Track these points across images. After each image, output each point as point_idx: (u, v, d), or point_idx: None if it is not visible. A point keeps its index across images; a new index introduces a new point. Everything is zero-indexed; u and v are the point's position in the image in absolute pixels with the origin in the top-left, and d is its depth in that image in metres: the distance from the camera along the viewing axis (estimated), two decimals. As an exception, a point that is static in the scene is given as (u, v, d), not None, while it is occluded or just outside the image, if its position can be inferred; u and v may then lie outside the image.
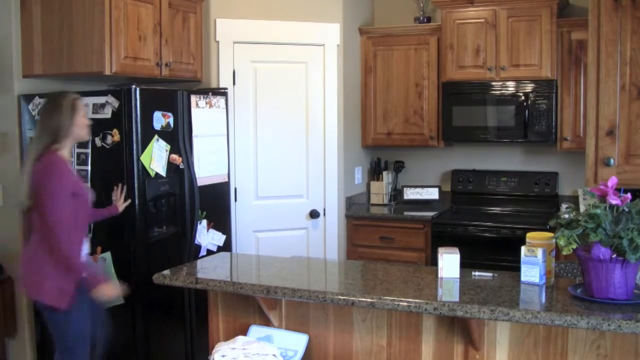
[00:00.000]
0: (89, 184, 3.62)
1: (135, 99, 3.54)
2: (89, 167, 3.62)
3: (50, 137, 3.06)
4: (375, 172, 5.23)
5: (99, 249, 3.62)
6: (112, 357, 3.69)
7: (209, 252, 4.00)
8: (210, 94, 4.09)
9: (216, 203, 4.16)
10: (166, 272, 2.74)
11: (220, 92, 4.23)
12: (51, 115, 3.09)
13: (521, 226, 4.29)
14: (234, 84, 4.43)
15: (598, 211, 2.12)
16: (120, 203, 3.53)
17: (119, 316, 3.61)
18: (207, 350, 2.85)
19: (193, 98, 3.93)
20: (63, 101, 3.12)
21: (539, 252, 2.38)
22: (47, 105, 3.18)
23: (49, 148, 3.05)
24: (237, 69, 4.45)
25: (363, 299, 2.33)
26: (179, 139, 3.83)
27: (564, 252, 2.15)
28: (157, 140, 3.66)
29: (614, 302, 2.14)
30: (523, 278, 2.42)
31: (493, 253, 4.24)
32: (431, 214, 4.67)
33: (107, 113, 3.57)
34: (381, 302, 2.29)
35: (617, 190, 2.17)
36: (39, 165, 3.02)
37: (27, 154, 3.16)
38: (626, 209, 2.13)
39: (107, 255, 3.61)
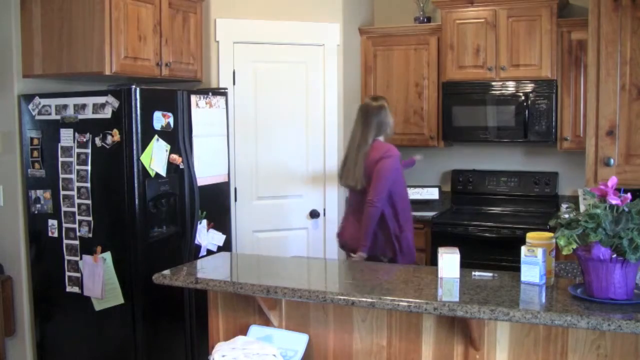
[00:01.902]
0: (89, 185, 3.62)
1: (135, 99, 3.54)
2: (89, 167, 3.61)
3: (377, 131, 3.76)
4: (375, 172, 5.22)
5: (98, 248, 3.62)
6: (112, 357, 3.70)
7: (209, 252, 3.99)
8: (210, 94, 4.09)
9: (216, 203, 4.16)
10: (166, 272, 2.74)
11: (220, 92, 4.22)
12: (379, 114, 3.75)
13: (521, 226, 4.28)
14: (234, 84, 4.43)
15: (598, 211, 2.12)
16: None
17: (119, 316, 3.61)
18: (207, 350, 2.85)
19: (193, 98, 3.93)
20: (385, 103, 3.81)
21: (539, 252, 2.37)
22: (375, 105, 3.77)
23: (374, 140, 3.74)
24: (237, 69, 4.45)
25: (363, 299, 2.33)
26: (179, 139, 3.82)
27: (564, 252, 2.15)
28: (157, 140, 3.66)
29: (614, 302, 2.14)
30: (523, 278, 2.42)
31: (493, 253, 4.24)
32: (431, 214, 4.67)
33: (107, 113, 3.57)
34: (381, 302, 2.29)
35: (617, 190, 2.17)
36: (388, 160, 3.66)
37: (355, 147, 3.76)
38: (626, 209, 2.12)
39: (107, 255, 3.61)
